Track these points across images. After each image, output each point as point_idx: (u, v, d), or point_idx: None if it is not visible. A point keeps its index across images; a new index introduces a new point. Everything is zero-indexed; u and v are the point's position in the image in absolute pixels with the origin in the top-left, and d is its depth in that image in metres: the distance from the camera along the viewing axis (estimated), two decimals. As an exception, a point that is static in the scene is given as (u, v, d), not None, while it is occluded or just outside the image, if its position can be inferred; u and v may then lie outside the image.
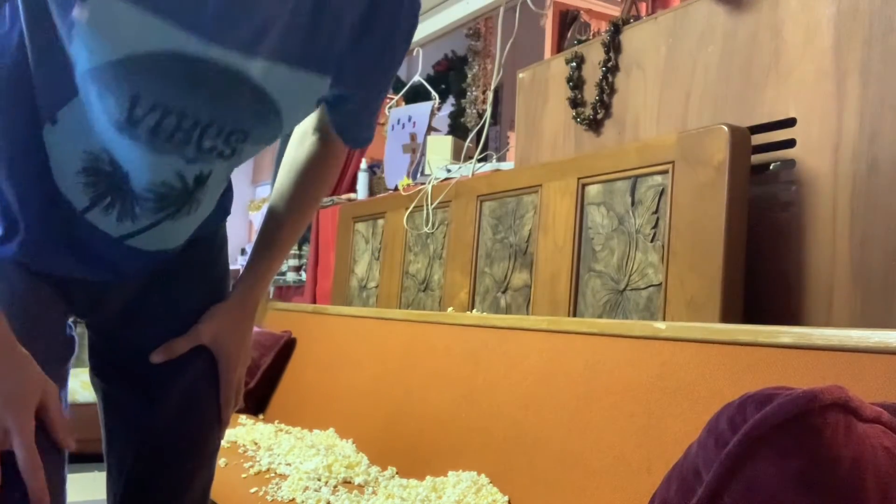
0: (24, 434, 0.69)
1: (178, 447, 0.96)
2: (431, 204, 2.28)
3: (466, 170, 2.43)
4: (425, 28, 3.13)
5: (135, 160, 0.77)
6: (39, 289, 0.82)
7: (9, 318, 0.71)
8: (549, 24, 2.88)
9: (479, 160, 2.41)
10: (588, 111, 1.88)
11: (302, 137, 1.01)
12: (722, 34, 1.58)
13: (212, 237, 0.99)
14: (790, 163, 1.45)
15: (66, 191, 0.79)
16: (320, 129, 0.99)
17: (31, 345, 0.73)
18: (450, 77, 4.67)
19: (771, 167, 1.52)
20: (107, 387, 0.97)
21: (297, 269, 3.97)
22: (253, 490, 1.60)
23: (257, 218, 7.25)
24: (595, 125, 1.89)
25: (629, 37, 1.81)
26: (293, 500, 1.51)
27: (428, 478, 1.53)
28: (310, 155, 0.99)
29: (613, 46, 1.83)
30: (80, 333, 2.70)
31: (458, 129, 4.29)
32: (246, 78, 0.73)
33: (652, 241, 1.54)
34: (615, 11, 2.67)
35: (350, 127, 0.95)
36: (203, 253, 0.98)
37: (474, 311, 2.01)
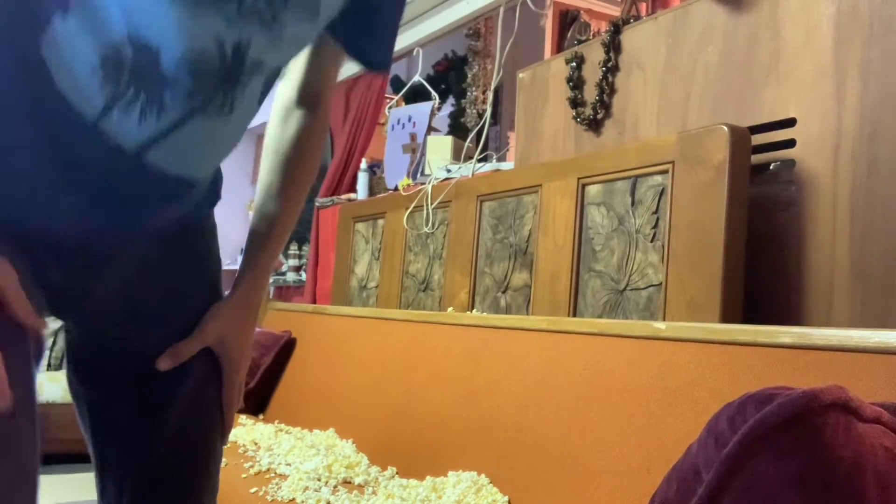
0: None
1: (183, 459, 0.90)
2: (431, 204, 2.28)
3: (466, 170, 2.43)
4: (425, 28, 3.13)
5: (169, 28, 0.67)
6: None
7: None
8: (549, 24, 2.88)
9: (479, 160, 2.41)
10: (588, 111, 1.88)
11: (285, 115, 0.95)
12: (722, 34, 1.58)
13: (202, 225, 0.93)
14: (790, 163, 1.45)
15: (75, 96, 0.68)
16: (304, 98, 0.94)
17: None
18: (450, 77, 4.67)
19: (771, 167, 1.52)
20: (95, 396, 0.89)
21: (297, 269, 3.98)
22: (253, 490, 1.60)
23: (257, 218, 7.23)
24: (595, 125, 1.89)
25: (629, 37, 1.81)
26: (293, 500, 1.51)
27: (428, 478, 1.53)
28: (296, 131, 0.94)
29: (613, 46, 1.83)
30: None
31: (458, 129, 4.29)
32: None
33: (652, 241, 1.54)
34: (615, 11, 2.67)
35: (370, 43, 0.88)
36: (196, 243, 0.91)
37: (474, 311, 2.01)
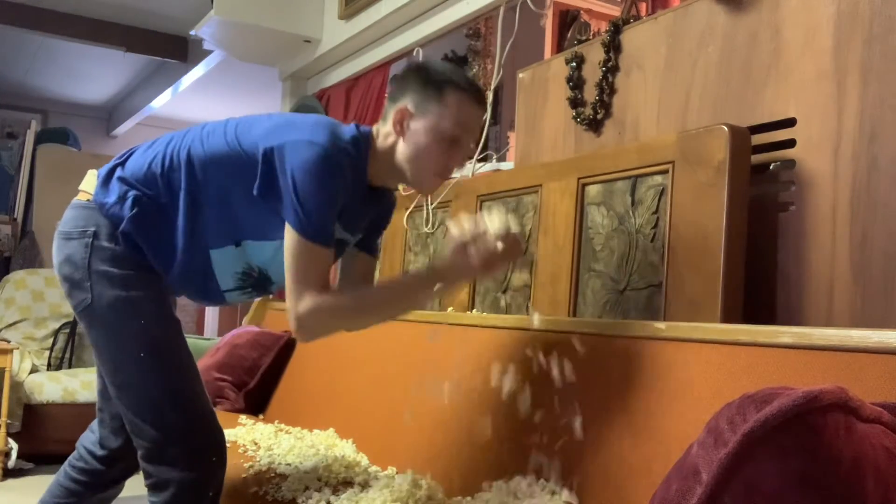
0: None
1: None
2: (431, 204, 2.28)
3: (466, 170, 2.43)
4: (425, 28, 3.13)
5: (277, 270, 1.41)
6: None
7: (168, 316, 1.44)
8: (549, 24, 2.88)
9: (479, 160, 2.41)
10: (588, 111, 1.88)
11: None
12: (722, 34, 1.58)
13: None
14: (790, 163, 1.45)
15: (220, 279, 1.46)
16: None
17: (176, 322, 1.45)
18: (450, 77, 4.65)
19: (771, 167, 1.52)
20: None
21: (297, 269, 3.96)
22: (253, 490, 1.60)
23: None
24: (595, 125, 1.88)
25: (629, 37, 1.81)
26: (293, 500, 1.51)
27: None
28: None
29: (613, 46, 1.83)
30: (79, 333, 2.77)
31: (458, 128, 4.27)
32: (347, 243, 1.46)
33: (652, 241, 1.54)
34: (615, 11, 2.67)
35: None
36: None
37: (474, 311, 2.01)
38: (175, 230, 1.40)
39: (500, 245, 1.27)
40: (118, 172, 1.44)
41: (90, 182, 1.47)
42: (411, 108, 1.34)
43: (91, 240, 1.40)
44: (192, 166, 1.38)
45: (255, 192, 1.32)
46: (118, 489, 1.63)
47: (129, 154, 1.49)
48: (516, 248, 1.32)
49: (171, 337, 1.43)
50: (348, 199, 1.34)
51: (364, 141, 1.37)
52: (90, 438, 1.59)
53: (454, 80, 1.34)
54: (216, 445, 1.42)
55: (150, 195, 1.40)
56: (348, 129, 1.37)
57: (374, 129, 1.41)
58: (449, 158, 1.36)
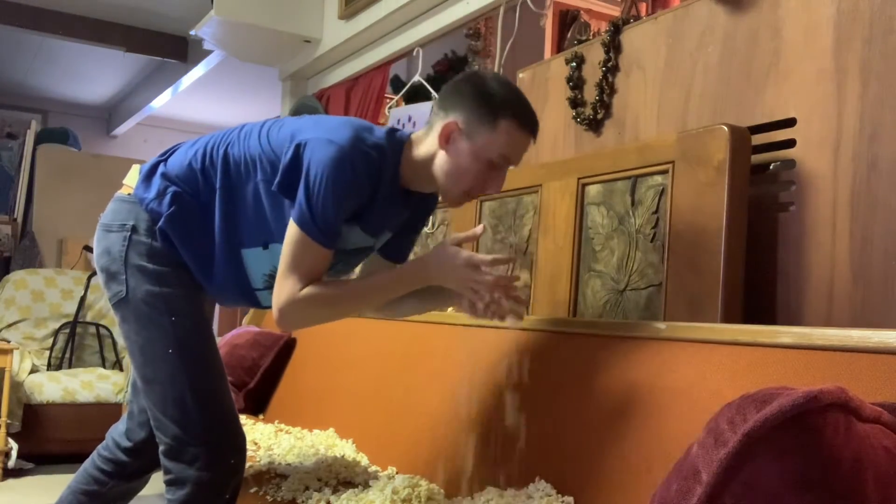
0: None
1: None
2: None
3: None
4: (425, 28, 3.13)
5: None
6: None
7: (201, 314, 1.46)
8: (549, 24, 2.88)
9: (479, 160, 2.40)
10: (588, 111, 1.88)
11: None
12: (722, 34, 1.58)
13: None
14: (790, 163, 1.45)
15: (252, 279, 1.45)
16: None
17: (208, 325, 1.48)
18: (450, 77, 4.66)
19: (771, 167, 1.52)
20: None
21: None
22: (253, 490, 1.60)
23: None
24: (595, 125, 1.88)
25: (629, 37, 1.81)
26: (293, 500, 1.51)
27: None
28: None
29: (613, 46, 1.83)
30: (80, 333, 2.77)
31: (458, 129, 4.27)
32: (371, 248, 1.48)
33: (652, 241, 1.54)
34: (615, 11, 2.67)
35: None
36: None
37: (474, 311, 2.01)
38: (211, 229, 1.42)
39: (488, 261, 1.30)
40: (161, 168, 1.45)
41: (133, 176, 1.49)
42: (461, 124, 1.31)
43: (129, 233, 1.42)
44: (228, 166, 1.40)
45: (274, 187, 1.33)
46: (142, 482, 1.64)
47: (173, 150, 1.50)
48: (506, 282, 1.32)
49: (200, 336, 1.44)
50: (365, 201, 1.34)
51: (393, 147, 1.36)
52: (119, 429, 1.60)
53: (511, 108, 1.30)
54: (236, 448, 1.44)
55: (189, 192, 1.42)
56: (378, 133, 1.35)
57: (414, 135, 1.39)
58: (486, 182, 1.34)
